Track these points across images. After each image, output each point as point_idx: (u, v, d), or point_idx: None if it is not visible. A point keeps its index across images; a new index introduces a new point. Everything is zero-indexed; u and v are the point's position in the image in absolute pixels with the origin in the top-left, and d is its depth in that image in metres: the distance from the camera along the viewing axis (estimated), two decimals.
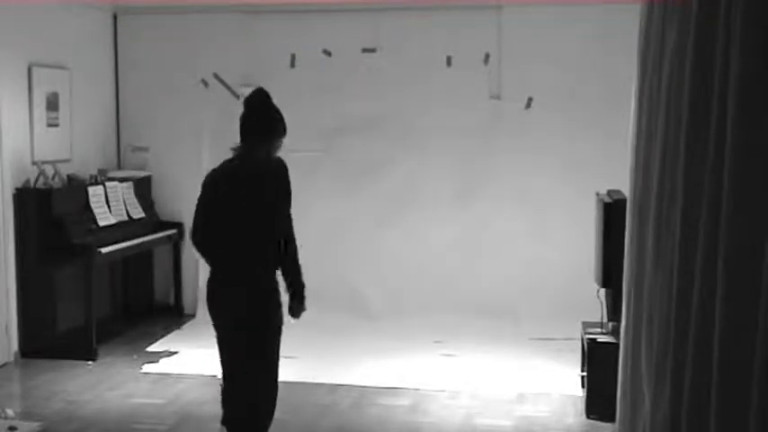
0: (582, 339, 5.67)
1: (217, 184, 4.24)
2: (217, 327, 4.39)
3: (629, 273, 3.59)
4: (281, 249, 4.39)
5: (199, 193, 4.26)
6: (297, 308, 4.48)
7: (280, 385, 6.03)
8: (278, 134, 4.29)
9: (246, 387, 4.42)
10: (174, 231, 7.93)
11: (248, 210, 4.24)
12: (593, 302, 5.49)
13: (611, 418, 4.75)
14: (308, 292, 6.75)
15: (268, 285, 4.34)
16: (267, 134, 4.27)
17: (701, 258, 2.50)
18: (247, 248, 4.26)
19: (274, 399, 4.55)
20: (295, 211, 6.85)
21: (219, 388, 4.48)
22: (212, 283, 4.32)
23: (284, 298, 4.43)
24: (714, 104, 2.48)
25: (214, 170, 4.31)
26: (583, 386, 5.66)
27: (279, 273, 4.42)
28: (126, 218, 7.42)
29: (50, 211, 6.64)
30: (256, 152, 4.26)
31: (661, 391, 2.79)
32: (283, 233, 4.41)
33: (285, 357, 6.65)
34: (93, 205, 7.05)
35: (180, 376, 6.28)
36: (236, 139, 4.38)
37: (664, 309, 2.85)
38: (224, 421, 4.52)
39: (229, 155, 4.32)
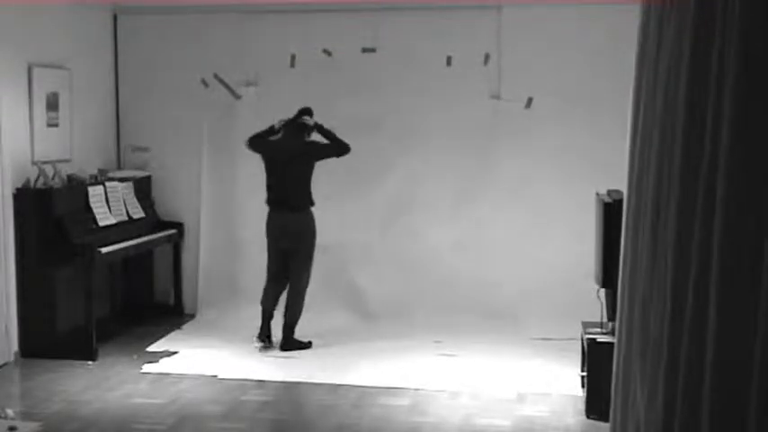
0: (582, 339, 5.67)
1: (268, 145, 6.96)
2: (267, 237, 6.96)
3: (624, 273, 3.59)
4: (306, 191, 6.94)
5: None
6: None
7: (280, 385, 6.08)
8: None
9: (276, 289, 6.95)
10: (174, 231, 7.93)
11: (279, 165, 6.87)
12: (593, 302, 5.49)
13: None
14: (308, 293, 7.04)
15: (298, 212, 6.89)
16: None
17: (696, 259, 2.50)
18: (279, 188, 6.87)
19: (299, 304, 6.90)
20: None
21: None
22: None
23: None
24: (710, 105, 2.48)
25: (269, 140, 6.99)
26: (583, 386, 5.65)
27: (312, 208, 6.92)
28: (126, 218, 7.41)
29: (50, 211, 6.63)
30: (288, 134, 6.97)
31: (654, 391, 2.79)
32: (309, 175, 6.97)
33: (285, 358, 6.73)
34: (93, 205, 7.04)
35: (180, 376, 6.28)
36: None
37: (658, 309, 2.84)
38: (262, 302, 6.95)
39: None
